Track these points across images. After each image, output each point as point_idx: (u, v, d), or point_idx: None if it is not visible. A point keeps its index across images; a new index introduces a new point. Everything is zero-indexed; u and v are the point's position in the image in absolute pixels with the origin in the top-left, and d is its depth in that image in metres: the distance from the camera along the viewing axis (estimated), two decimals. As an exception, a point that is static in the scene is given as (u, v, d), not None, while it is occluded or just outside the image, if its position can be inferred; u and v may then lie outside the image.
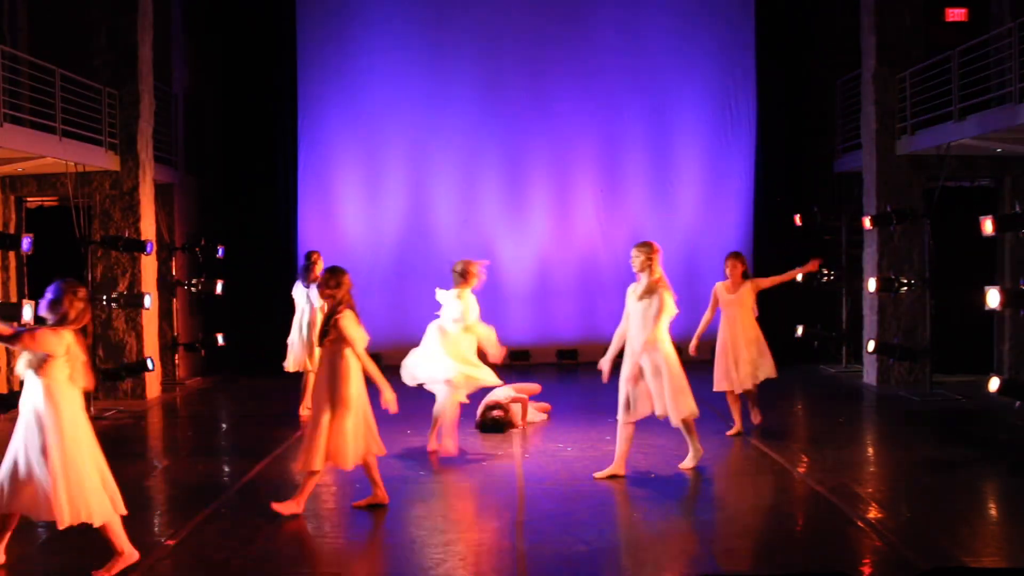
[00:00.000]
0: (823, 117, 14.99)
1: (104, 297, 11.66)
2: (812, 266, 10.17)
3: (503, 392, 9.90)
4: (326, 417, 6.64)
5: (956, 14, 13.79)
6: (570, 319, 15.36)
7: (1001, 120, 10.42)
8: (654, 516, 6.80)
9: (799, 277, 9.95)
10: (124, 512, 5.65)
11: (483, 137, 15.33)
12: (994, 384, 9.31)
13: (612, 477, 7.72)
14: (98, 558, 6.01)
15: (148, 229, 12.48)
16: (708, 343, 9.85)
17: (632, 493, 7.41)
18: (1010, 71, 10.32)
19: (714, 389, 9.57)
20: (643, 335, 7.51)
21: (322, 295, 6.87)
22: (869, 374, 12.98)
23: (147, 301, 11.77)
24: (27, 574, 5.79)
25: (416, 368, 8.77)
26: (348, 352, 6.69)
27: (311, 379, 9.95)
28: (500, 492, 7.46)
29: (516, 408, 9.96)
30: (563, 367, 15.01)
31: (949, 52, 11.35)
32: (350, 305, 6.78)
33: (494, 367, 8.83)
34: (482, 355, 8.79)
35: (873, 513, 6.79)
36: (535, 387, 10.63)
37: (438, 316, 8.82)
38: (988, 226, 9.21)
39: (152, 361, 12.19)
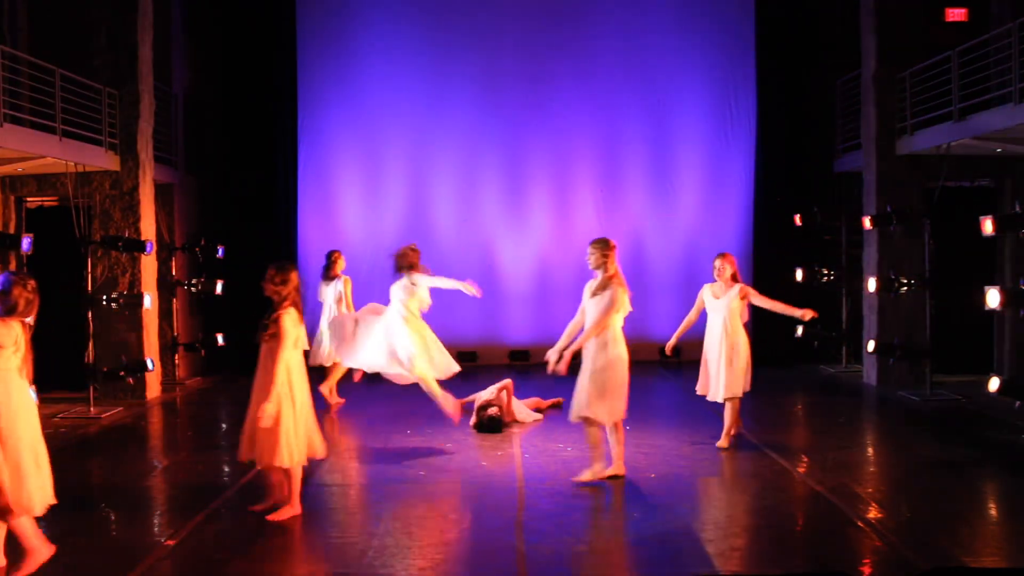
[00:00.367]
0: (823, 117, 14.99)
1: (104, 297, 11.66)
2: (810, 314, 9.15)
3: (486, 393, 10.12)
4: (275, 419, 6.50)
5: (956, 14, 13.79)
6: (569, 319, 15.32)
7: (1001, 120, 10.42)
8: (654, 516, 6.80)
9: (798, 314, 9.12)
10: (39, 513, 5.57)
11: (483, 137, 15.34)
12: (994, 384, 9.32)
13: (613, 478, 7.65)
14: (98, 558, 6.02)
15: (148, 229, 12.47)
16: (696, 344, 9.65)
17: (632, 493, 7.40)
18: (1010, 71, 10.31)
19: (697, 392, 9.20)
20: (594, 331, 7.44)
21: (267, 291, 6.71)
22: (869, 374, 12.98)
23: (147, 301, 11.77)
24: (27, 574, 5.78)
25: (373, 355, 9.10)
26: (282, 352, 6.57)
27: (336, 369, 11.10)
28: (500, 492, 7.46)
29: (505, 397, 10.10)
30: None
31: (949, 52, 11.35)
32: (295, 303, 6.68)
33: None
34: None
35: (873, 513, 6.79)
36: (507, 381, 10.55)
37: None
38: (988, 226, 9.21)
39: (152, 361, 12.19)
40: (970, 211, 10.42)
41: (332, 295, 11.40)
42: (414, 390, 12.52)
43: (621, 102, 15.36)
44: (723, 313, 8.96)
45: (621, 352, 7.49)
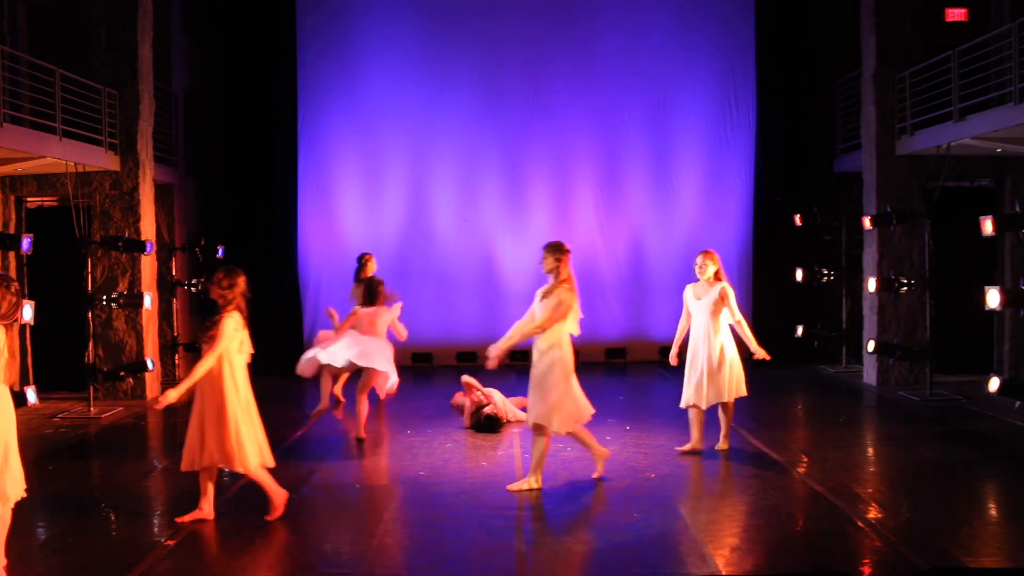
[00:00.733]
0: (823, 117, 14.99)
1: (104, 297, 11.66)
2: (763, 354, 8.76)
3: (475, 395, 10.13)
4: (216, 421, 6.49)
5: (956, 14, 13.79)
6: (570, 319, 15.34)
7: (1001, 120, 10.42)
8: (654, 516, 6.80)
9: (753, 347, 8.67)
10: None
11: (483, 137, 15.34)
12: (994, 384, 9.32)
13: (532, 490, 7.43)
14: (98, 558, 6.02)
15: (148, 229, 12.48)
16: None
17: (631, 493, 7.40)
18: (1010, 71, 10.32)
19: (681, 406, 8.71)
20: (534, 331, 7.35)
21: (214, 294, 6.60)
22: (869, 374, 12.98)
23: (147, 301, 11.77)
24: (27, 574, 5.78)
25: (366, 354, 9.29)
26: (227, 355, 6.48)
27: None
28: (500, 492, 7.46)
29: (495, 395, 10.14)
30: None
31: (949, 52, 11.35)
32: (239, 308, 6.57)
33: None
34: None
35: (873, 513, 6.79)
36: (464, 378, 10.50)
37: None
38: (988, 226, 9.21)
39: (152, 361, 12.19)
40: (970, 211, 10.42)
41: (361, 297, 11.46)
42: (415, 390, 12.56)
43: (621, 102, 15.37)
44: (705, 315, 8.49)
45: (563, 357, 7.30)
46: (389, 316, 9.83)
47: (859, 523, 6.54)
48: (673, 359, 8.72)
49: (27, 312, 9.38)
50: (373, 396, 10.17)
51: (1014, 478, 8.01)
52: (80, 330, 11.56)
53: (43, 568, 5.92)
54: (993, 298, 8.81)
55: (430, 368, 15.05)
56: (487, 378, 10.27)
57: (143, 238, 12.15)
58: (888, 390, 12.32)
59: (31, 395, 9.87)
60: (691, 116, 15.44)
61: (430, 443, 9.32)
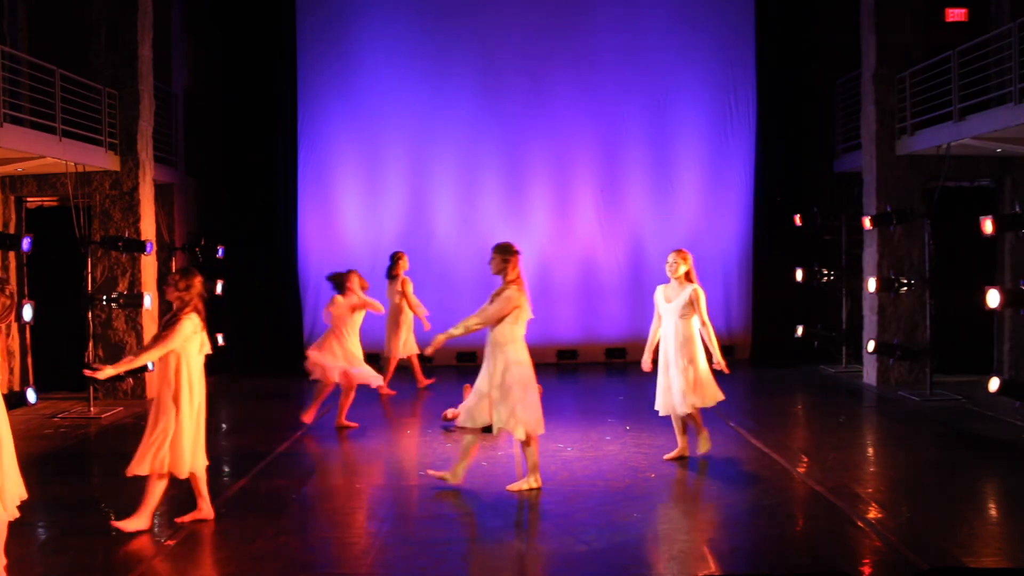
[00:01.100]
0: (823, 117, 14.99)
1: (104, 297, 11.66)
2: (722, 366, 8.30)
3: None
4: (164, 421, 6.40)
5: (956, 14, 13.79)
6: (570, 319, 15.37)
7: (1001, 120, 10.41)
8: (654, 516, 6.80)
9: (716, 357, 8.25)
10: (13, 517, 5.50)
11: (483, 137, 15.34)
12: (994, 384, 9.32)
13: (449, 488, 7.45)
14: (98, 558, 6.02)
15: (148, 229, 12.48)
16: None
17: (632, 493, 7.41)
18: (1010, 71, 10.31)
19: (656, 409, 8.44)
20: (491, 336, 7.35)
21: (170, 295, 6.52)
22: (869, 374, 12.98)
23: (147, 301, 11.77)
24: (27, 574, 5.78)
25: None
26: (184, 357, 6.41)
27: (414, 361, 12.34)
28: (500, 492, 7.46)
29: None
30: (563, 367, 15.01)
31: (949, 52, 11.35)
32: (197, 309, 6.50)
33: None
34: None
35: (873, 513, 6.79)
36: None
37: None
38: (988, 226, 9.21)
39: (152, 361, 12.16)
40: (970, 211, 10.42)
41: (393, 294, 12.07)
42: (415, 390, 12.57)
43: (621, 102, 15.37)
44: (674, 318, 8.13)
45: (519, 358, 7.26)
46: (353, 303, 10.01)
47: (859, 523, 6.54)
48: (646, 365, 8.33)
49: (27, 312, 9.37)
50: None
51: (1014, 478, 8.01)
52: (80, 330, 11.55)
53: (43, 568, 5.92)
54: (993, 298, 8.81)
55: (430, 368, 15.03)
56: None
57: (143, 238, 12.15)
58: (888, 390, 12.32)
59: (31, 395, 9.86)
60: (691, 116, 15.45)
61: (430, 443, 9.32)
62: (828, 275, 13.97)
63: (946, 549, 5.99)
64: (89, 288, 11.58)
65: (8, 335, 11.96)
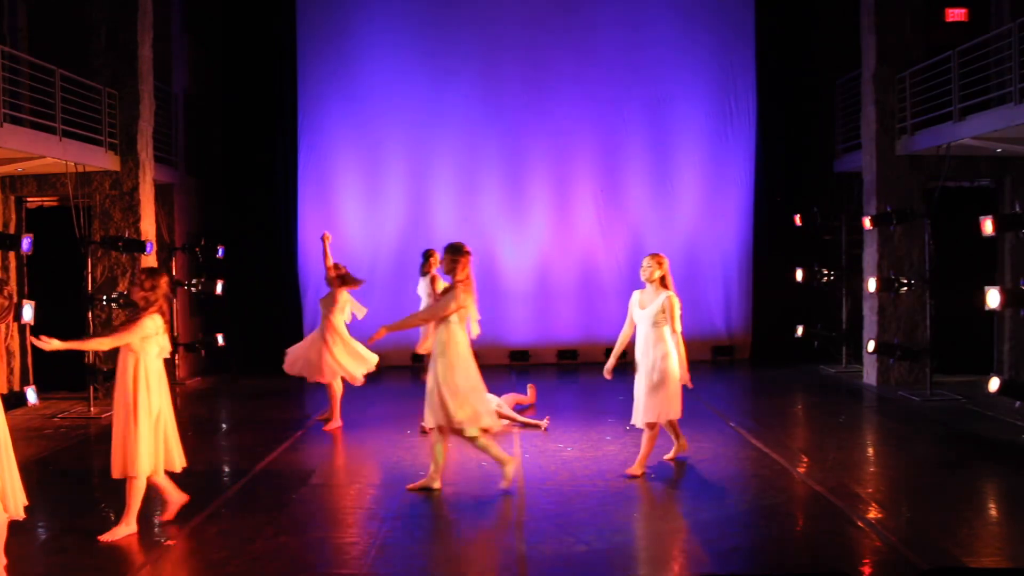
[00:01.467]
0: (823, 117, 15.00)
1: (104, 297, 11.66)
2: (688, 383, 7.85)
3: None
4: (123, 423, 6.32)
5: (956, 14, 13.79)
6: (570, 319, 15.38)
7: (1001, 120, 10.42)
8: (654, 516, 6.80)
9: (682, 371, 7.77)
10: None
11: (483, 136, 15.35)
12: (994, 384, 9.32)
13: (424, 489, 7.44)
14: (98, 558, 6.02)
15: (148, 229, 12.48)
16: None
17: (632, 493, 7.41)
18: (1010, 71, 10.31)
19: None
20: (437, 336, 7.35)
21: (134, 295, 6.46)
22: (869, 374, 12.98)
23: (147, 301, 11.75)
24: (27, 574, 5.78)
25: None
26: (143, 357, 6.33)
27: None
28: (500, 492, 7.46)
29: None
30: (563, 367, 15.01)
31: (949, 52, 11.35)
32: (162, 310, 6.44)
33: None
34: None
35: (873, 513, 6.79)
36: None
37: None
38: (988, 226, 9.21)
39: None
40: (970, 211, 10.42)
41: (426, 291, 12.03)
42: (415, 390, 12.55)
43: (622, 102, 15.37)
44: (647, 325, 7.72)
45: (462, 356, 7.26)
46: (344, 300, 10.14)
47: (859, 523, 6.54)
48: (607, 372, 7.98)
49: (27, 312, 9.37)
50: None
51: (1014, 478, 8.01)
52: (80, 330, 11.55)
53: (43, 568, 5.92)
54: (993, 298, 8.81)
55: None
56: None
57: (143, 238, 12.16)
58: (888, 390, 12.32)
59: (31, 395, 9.86)
60: (691, 116, 15.45)
61: (430, 443, 9.30)
62: (828, 275, 13.97)
63: (946, 549, 5.99)
64: (89, 288, 11.58)
65: (8, 335, 11.96)
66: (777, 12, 15.22)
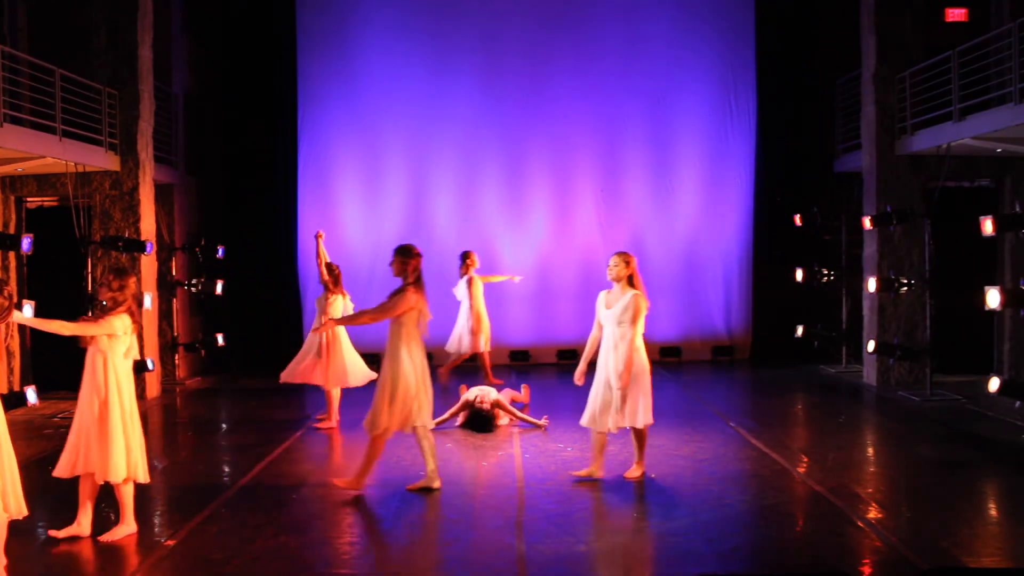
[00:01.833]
0: (823, 117, 14.99)
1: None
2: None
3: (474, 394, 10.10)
4: (92, 426, 6.24)
5: (956, 14, 13.79)
6: (570, 319, 15.36)
7: (1001, 120, 10.42)
8: (654, 516, 6.80)
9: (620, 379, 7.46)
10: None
11: (483, 136, 15.35)
12: (994, 384, 9.32)
13: (424, 490, 7.42)
14: (98, 558, 6.02)
15: (148, 229, 12.48)
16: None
17: (632, 493, 7.41)
18: (1010, 71, 10.31)
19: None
20: (389, 336, 7.34)
21: (103, 295, 6.35)
22: (869, 374, 12.98)
23: (147, 301, 11.77)
24: (27, 574, 5.78)
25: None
26: (111, 356, 6.25)
27: (487, 358, 12.34)
28: (500, 492, 7.46)
29: (491, 394, 10.11)
30: (563, 367, 15.00)
31: (949, 52, 11.35)
32: (130, 311, 6.33)
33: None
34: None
35: (873, 513, 6.79)
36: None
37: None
38: (988, 226, 9.21)
39: (152, 361, 12.19)
40: (970, 211, 10.42)
41: (464, 292, 12.20)
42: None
43: (622, 102, 15.37)
44: (612, 326, 7.46)
45: (414, 357, 7.29)
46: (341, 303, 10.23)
47: (859, 523, 6.54)
48: (577, 377, 7.71)
49: (27, 312, 9.37)
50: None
51: (1014, 478, 8.01)
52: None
53: (43, 568, 5.92)
54: (993, 298, 8.81)
55: (431, 368, 15.01)
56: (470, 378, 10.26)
57: (143, 238, 12.16)
58: (888, 390, 12.32)
59: (31, 395, 9.86)
60: (691, 116, 15.45)
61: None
62: (828, 275, 13.97)
63: (946, 549, 5.99)
64: (89, 288, 11.58)
65: (8, 335, 11.96)
66: (777, 12, 15.22)
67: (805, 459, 8.52)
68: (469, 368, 13.00)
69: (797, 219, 14.30)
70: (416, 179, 15.37)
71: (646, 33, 15.33)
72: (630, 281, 7.49)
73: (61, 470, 6.30)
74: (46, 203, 12.90)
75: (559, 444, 9.15)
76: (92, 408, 6.25)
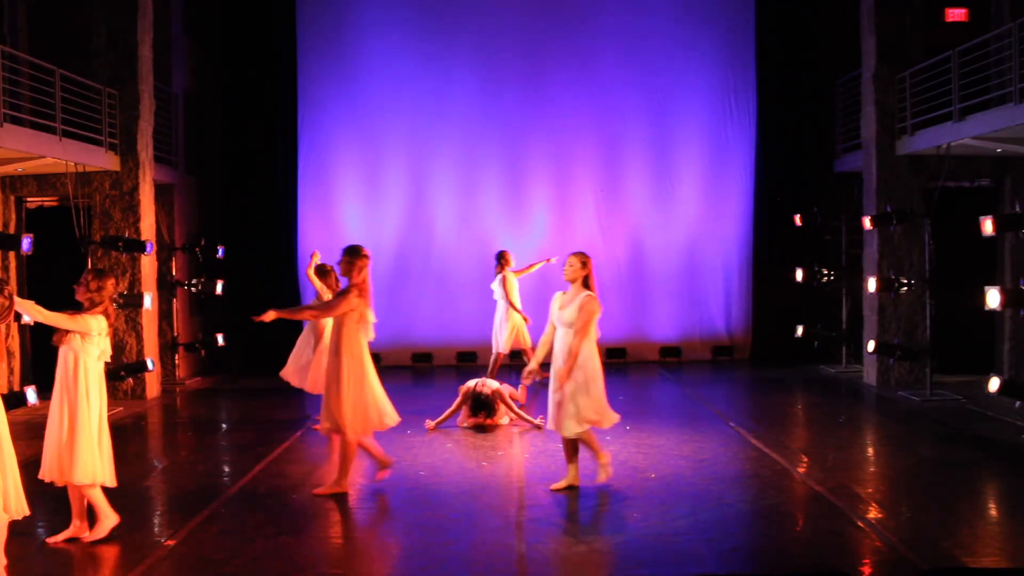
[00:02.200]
0: (823, 117, 15.00)
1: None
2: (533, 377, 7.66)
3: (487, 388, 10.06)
4: (62, 427, 6.07)
5: (956, 14, 13.79)
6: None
7: (1001, 120, 10.41)
8: (654, 516, 6.80)
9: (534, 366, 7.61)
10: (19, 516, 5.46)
11: (483, 136, 15.36)
12: (994, 384, 9.32)
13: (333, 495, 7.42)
14: (98, 558, 6.02)
15: (148, 229, 12.48)
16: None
17: (632, 493, 7.40)
18: (1010, 71, 10.31)
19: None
20: (333, 337, 7.33)
21: (80, 295, 6.27)
22: (869, 374, 12.98)
23: (147, 301, 11.77)
24: (27, 574, 5.78)
25: None
26: (83, 356, 6.11)
27: (531, 354, 11.64)
28: (500, 492, 7.46)
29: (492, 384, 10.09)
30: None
31: (949, 52, 11.34)
32: (106, 313, 6.27)
33: None
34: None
35: (873, 513, 6.79)
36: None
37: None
38: (988, 226, 9.21)
39: (152, 361, 12.19)
40: (970, 211, 10.42)
41: (499, 291, 12.39)
42: (415, 390, 12.57)
43: (622, 102, 15.38)
44: (564, 328, 7.24)
45: (355, 358, 7.24)
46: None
47: (859, 523, 6.54)
48: (525, 376, 7.55)
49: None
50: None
51: (1014, 478, 8.01)
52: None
53: (43, 568, 5.92)
54: (993, 298, 8.81)
55: (430, 368, 15.05)
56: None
57: (143, 238, 12.16)
58: (888, 390, 12.32)
59: (31, 395, 9.86)
60: (691, 116, 15.45)
61: (430, 443, 9.32)
62: (828, 275, 13.97)
63: (946, 549, 5.99)
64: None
65: (8, 335, 11.96)
66: (777, 12, 15.23)
67: (805, 459, 8.52)
68: (470, 368, 13.00)
69: (797, 219, 14.30)
70: (416, 178, 15.37)
71: (646, 33, 15.33)
72: (585, 282, 7.31)
73: (43, 473, 6.18)
74: (46, 203, 12.90)
75: (559, 444, 9.11)
76: (62, 410, 6.08)
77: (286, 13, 15.18)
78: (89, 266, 11.66)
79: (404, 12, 15.32)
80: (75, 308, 6.20)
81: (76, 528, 6.30)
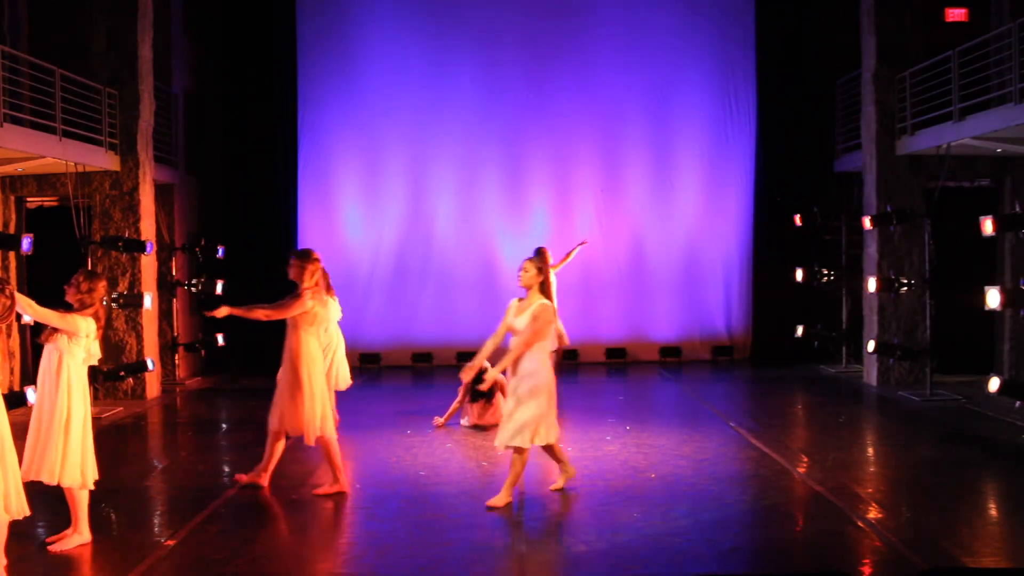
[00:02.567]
0: (823, 117, 14.99)
1: (103, 297, 11.65)
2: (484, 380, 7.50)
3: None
4: (40, 426, 6.00)
5: (956, 14, 13.79)
6: (570, 319, 15.31)
7: (1001, 120, 10.41)
8: (654, 516, 6.80)
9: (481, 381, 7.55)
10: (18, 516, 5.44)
11: (483, 135, 15.35)
12: (994, 384, 9.32)
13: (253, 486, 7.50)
14: (98, 558, 6.01)
15: (148, 229, 12.48)
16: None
17: (632, 493, 7.41)
18: (1010, 71, 10.31)
19: None
20: (287, 341, 7.32)
21: (70, 296, 6.21)
22: (869, 374, 12.98)
23: (147, 301, 11.77)
24: (27, 574, 5.78)
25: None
26: (67, 358, 6.03)
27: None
28: (499, 492, 7.45)
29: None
30: (563, 367, 14.98)
31: (949, 52, 11.34)
32: (97, 315, 6.22)
33: None
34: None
35: (873, 513, 6.79)
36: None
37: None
38: (988, 226, 9.21)
39: (152, 361, 12.19)
40: (970, 211, 10.42)
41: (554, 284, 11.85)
42: (415, 390, 12.55)
43: (622, 101, 15.37)
44: (521, 336, 6.94)
45: (306, 363, 7.26)
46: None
47: (859, 523, 6.54)
48: (464, 372, 7.20)
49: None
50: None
51: (1014, 478, 8.01)
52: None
53: (43, 568, 5.91)
54: (993, 298, 8.81)
55: (430, 368, 15.05)
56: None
57: (143, 238, 12.15)
58: (888, 390, 12.32)
59: (31, 395, 9.85)
60: (691, 116, 15.45)
61: (430, 443, 9.32)
62: (828, 275, 13.97)
63: (946, 549, 5.99)
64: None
65: (8, 335, 11.96)
66: (777, 12, 15.22)
67: (805, 459, 8.52)
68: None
69: (797, 219, 14.30)
70: (416, 178, 15.37)
71: (647, 32, 15.33)
72: (542, 288, 7.01)
73: (29, 475, 6.02)
74: (46, 203, 12.89)
75: (559, 444, 9.13)
76: (44, 410, 6.02)
77: (286, 13, 15.18)
78: (88, 266, 11.66)
79: (404, 12, 15.32)
80: (68, 308, 6.16)
81: (77, 533, 6.25)
